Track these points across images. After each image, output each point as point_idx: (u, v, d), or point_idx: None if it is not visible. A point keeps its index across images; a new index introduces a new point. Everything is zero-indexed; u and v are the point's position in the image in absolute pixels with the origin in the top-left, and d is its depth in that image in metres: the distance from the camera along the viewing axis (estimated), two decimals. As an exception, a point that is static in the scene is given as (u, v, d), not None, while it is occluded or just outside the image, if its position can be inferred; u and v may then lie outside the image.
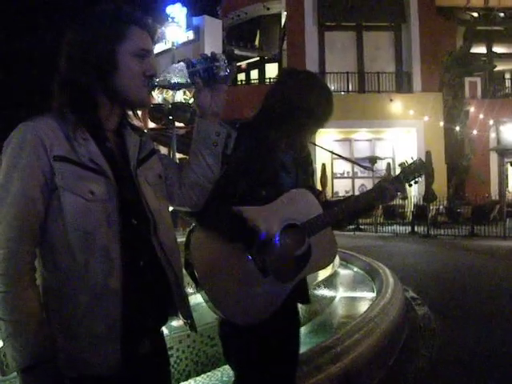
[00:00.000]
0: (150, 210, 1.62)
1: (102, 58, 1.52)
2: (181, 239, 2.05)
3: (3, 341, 1.42)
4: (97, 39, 1.53)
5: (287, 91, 2.24)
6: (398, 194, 2.41)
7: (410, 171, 2.50)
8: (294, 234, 2.14)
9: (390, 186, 2.39)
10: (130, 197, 1.59)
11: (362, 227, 18.70)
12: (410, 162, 2.52)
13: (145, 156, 1.69)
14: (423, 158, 2.94)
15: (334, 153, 2.56)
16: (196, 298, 4.01)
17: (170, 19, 23.80)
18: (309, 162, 2.44)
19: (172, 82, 1.62)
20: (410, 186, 2.57)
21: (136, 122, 1.72)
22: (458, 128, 22.20)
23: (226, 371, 3.35)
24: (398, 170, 2.60)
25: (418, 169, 2.51)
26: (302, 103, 2.21)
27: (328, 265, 2.36)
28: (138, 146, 1.68)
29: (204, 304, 2.13)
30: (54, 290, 1.48)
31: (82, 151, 1.50)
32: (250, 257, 2.04)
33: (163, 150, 21.97)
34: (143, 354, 1.59)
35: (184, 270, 2.06)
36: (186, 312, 1.73)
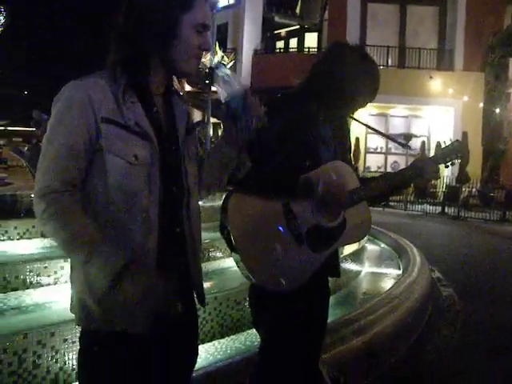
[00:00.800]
0: (187, 181, 1.65)
1: (165, 23, 1.52)
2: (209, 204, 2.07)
3: (83, 269, 1.47)
4: (164, 4, 1.52)
5: (334, 65, 2.22)
6: (435, 175, 2.39)
7: (448, 152, 2.47)
8: (330, 206, 2.14)
9: (429, 167, 2.36)
10: (172, 165, 1.61)
11: (392, 204, 18.53)
12: (447, 143, 2.49)
13: (189, 128, 1.71)
14: (459, 139, 2.90)
15: (369, 126, 2.52)
16: (225, 262, 4.10)
17: (212, -18, 23.55)
18: (347, 136, 2.43)
19: (219, 87, 1.62)
20: (447, 167, 2.54)
21: (175, 84, 1.72)
22: (497, 110, 21.70)
23: (249, 335, 3.42)
24: (432, 149, 2.58)
25: (456, 151, 2.48)
26: (347, 79, 2.19)
27: (361, 239, 2.38)
28: (186, 117, 1.70)
29: (232, 269, 2.16)
30: None
31: (129, 114, 1.51)
32: (281, 227, 2.07)
33: (198, 114, 22.04)
34: (174, 315, 1.63)
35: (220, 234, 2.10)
36: (199, 284, 1.76)
